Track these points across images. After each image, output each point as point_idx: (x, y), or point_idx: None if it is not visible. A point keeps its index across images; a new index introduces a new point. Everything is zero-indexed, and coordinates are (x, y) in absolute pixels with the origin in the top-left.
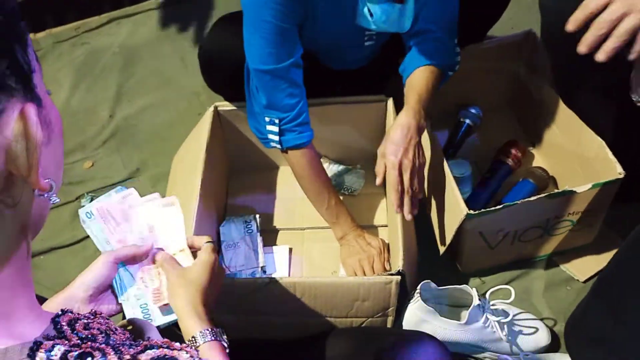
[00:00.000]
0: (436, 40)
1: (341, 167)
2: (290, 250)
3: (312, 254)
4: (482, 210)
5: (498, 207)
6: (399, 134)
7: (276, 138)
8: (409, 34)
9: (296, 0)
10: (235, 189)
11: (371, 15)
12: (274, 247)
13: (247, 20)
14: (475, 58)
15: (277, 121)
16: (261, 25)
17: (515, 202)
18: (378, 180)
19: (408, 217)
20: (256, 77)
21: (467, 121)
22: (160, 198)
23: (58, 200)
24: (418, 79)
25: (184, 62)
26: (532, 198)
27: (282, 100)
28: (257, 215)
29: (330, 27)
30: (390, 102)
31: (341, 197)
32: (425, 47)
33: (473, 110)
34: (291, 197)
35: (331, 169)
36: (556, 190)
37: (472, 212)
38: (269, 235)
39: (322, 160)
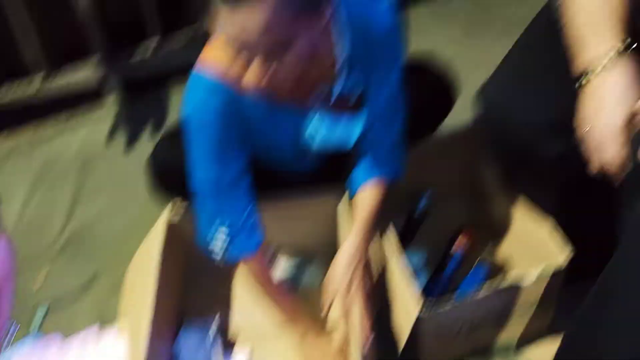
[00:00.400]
0: (382, 154)
1: (298, 261)
2: (251, 351)
3: (274, 354)
4: (435, 305)
5: (450, 302)
6: (344, 264)
7: (222, 251)
8: (356, 149)
9: (233, 124)
10: (192, 291)
11: (316, 134)
12: (233, 351)
13: (188, 137)
14: (427, 148)
15: (222, 231)
16: (202, 143)
17: (466, 296)
18: (324, 312)
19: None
20: (200, 191)
21: (420, 208)
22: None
23: (17, 328)
24: (365, 198)
25: (139, 165)
26: (481, 293)
27: (229, 212)
28: (217, 316)
29: (271, 145)
30: (344, 198)
31: (300, 291)
32: (371, 162)
33: (425, 197)
34: (251, 295)
35: (288, 264)
36: (505, 281)
37: (424, 309)
38: (230, 336)
39: (279, 256)
